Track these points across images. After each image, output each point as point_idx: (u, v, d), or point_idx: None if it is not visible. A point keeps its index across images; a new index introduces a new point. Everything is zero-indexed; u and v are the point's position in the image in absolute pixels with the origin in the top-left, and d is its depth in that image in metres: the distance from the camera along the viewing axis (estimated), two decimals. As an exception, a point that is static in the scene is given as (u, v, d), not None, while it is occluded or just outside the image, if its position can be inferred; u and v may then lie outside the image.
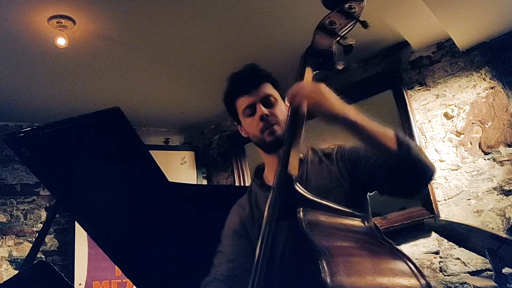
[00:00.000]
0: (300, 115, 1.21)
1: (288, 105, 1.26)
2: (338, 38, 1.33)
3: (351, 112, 1.19)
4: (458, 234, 2.30)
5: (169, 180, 1.96)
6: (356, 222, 1.14)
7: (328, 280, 0.90)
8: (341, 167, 1.41)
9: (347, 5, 1.36)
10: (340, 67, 1.32)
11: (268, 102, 1.47)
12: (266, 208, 1.15)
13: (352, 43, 1.32)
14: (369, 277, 0.96)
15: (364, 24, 1.34)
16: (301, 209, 1.08)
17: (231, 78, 1.54)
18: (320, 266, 0.93)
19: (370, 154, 1.33)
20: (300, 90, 1.22)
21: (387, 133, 1.22)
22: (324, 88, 1.21)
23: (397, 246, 1.09)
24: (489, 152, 3.27)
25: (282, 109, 1.48)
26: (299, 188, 1.14)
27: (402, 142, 1.20)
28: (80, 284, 3.95)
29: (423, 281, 0.98)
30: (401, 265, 1.01)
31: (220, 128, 4.87)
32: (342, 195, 1.35)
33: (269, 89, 1.50)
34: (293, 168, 1.18)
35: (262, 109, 1.44)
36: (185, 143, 4.96)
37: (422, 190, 1.47)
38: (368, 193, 1.44)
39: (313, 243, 1.00)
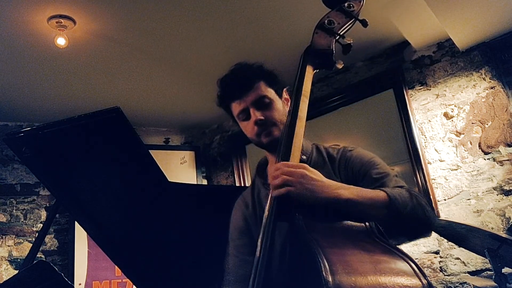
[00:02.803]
0: (287, 204, 1.12)
1: (270, 195, 1.14)
2: (337, 37, 1.33)
3: (342, 191, 1.14)
4: (458, 234, 2.29)
5: (169, 180, 1.96)
6: (356, 222, 1.14)
7: (330, 280, 0.90)
8: (343, 176, 1.37)
9: (346, 4, 1.36)
10: (340, 66, 1.32)
11: (262, 104, 1.41)
12: (266, 209, 1.14)
13: (350, 42, 1.31)
14: (370, 276, 0.95)
15: (363, 23, 1.34)
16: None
17: (220, 83, 1.47)
18: (321, 266, 0.93)
19: (373, 176, 1.32)
20: (284, 179, 1.11)
21: (379, 199, 1.17)
22: (307, 169, 1.14)
23: (397, 246, 1.08)
24: (489, 152, 3.27)
25: (278, 108, 1.43)
26: None
27: (394, 203, 1.15)
28: (80, 284, 3.95)
29: (424, 281, 0.98)
30: (402, 265, 1.00)
31: (221, 128, 4.87)
32: None
33: (262, 89, 1.43)
34: None
35: (255, 114, 1.39)
36: (185, 143, 4.96)
37: (421, 238, 1.43)
38: None
39: (313, 242, 0.99)
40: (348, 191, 1.15)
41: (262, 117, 1.39)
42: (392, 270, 0.99)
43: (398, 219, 1.16)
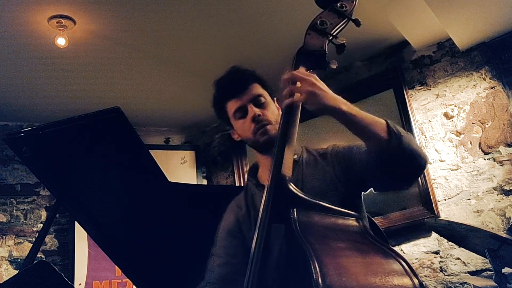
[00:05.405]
0: (295, 107, 1.22)
1: (282, 93, 1.25)
2: (330, 37, 1.33)
3: (342, 102, 1.20)
4: (458, 234, 2.30)
5: (169, 180, 1.96)
6: (350, 222, 1.14)
7: (320, 282, 0.90)
8: (336, 167, 1.40)
9: (338, 4, 1.35)
10: (334, 66, 1.32)
11: (258, 102, 1.48)
12: (261, 209, 1.14)
13: (344, 42, 1.31)
14: (361, 277, 0.95)
15: (356, 23, 1.34)
16: (295, 209, 1.07)
17: (217, 84, 1.54)
18: (312, 268, 0.93)
19: (364, 151, 1.33)
20: (292, 88, 1.22)
21: (378, 123, 1.22)
22: (316, 79, 1.21)
23: (397, 246, 1.09)
24: (489, 152, 3.27)
25: (272, 109, 1.49)
26: (293, 188, 1.13)
27: (393, 131, 1.20)
28: (80, 284, 3.95)
29: (416, 280, 0.98)
30: (393, 265, 1.01)
31: (221, 127, 4.86)
32: (337, 197, 1.35)
33: (258, 89, 1.50)
34: (287, 168, 1.17)
35: (253, 110, 1.45)
36: (186, 143, 4.95)
37: (415, 181, 1.48)
38: (363, 193, 1.44)
39: (306, 244, 0.99)
40: (348, 106, 1.20)
41: (260, 113, 1.45)
42: (384, 270, 0.99)
43: (396, 149, 1.18)
